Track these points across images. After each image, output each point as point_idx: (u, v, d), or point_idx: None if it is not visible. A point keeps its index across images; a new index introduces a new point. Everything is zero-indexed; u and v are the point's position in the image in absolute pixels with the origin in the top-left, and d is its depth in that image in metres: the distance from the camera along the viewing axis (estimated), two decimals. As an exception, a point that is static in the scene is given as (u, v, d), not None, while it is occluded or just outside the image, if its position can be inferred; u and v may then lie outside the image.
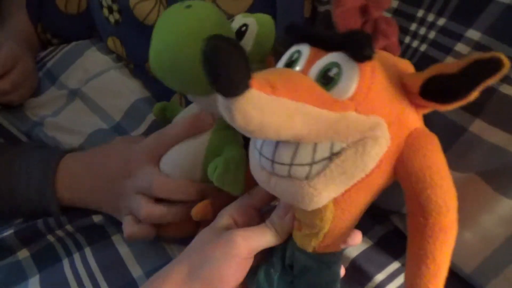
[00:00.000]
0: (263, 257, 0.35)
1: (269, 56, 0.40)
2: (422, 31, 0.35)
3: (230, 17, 0.45)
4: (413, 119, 0.28)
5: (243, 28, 0.38)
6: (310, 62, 0.27)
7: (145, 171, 0.41)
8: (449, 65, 0.25)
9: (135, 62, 0.56)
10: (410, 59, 0.34)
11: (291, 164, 0.27)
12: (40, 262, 0.43)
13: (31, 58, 0.60)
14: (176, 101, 0.55)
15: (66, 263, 0.42)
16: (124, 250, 0.43)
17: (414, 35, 0.35)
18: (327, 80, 0.26)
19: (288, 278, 0.34)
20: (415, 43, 0.36)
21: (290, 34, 0.30)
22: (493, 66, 0.23)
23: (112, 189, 0.42)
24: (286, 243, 0.34)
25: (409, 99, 0.27)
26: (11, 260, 0.43)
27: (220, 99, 0.23)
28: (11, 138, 0.56)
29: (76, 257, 0.42)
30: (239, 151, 0.38)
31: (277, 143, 0.28)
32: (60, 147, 0.53)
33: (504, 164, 0.31)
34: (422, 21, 0.36)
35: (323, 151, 0.27)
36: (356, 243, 0.33)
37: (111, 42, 0.56)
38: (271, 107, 0.23)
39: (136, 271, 0.41)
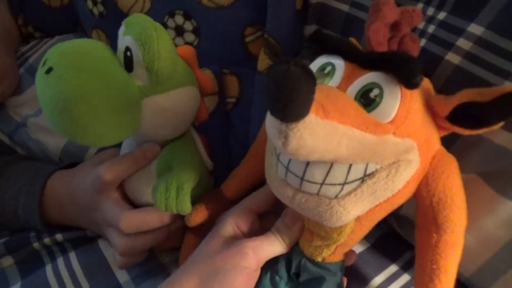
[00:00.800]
0: (266, 263, 0.35)
1: (196, 72, 0.37)
2: (421, 25, 0.33)
3: (221, 8, 0.42)
4: (436, 140, 0.28)
5: (128, 54, 0.32)
6: (347, 79, 0.26)
7: (107, 207, 0.38)
8: (481, 92, 0.25)
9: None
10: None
11: (322, 184, 0.27)
12: (23, 269, 0.41)
13: (9, 53, 0.55)
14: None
15: (49, 268, 0.40)
16: (109, 254, 0.41)
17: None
18: (367, 100, 0.25)
19: (294, 286, 0.34)
20: None
21: (320, 43, 0.28)
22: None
23: (89, 219, 0.41)
24: (291, 251, 0.34)
25: (435, 121, 0.28)
26: None
27: (272, 123, 0.21)
28: None
29: (60, 261, 0.41)
30: (185, 169, 0.35)
31: (308, 162, 0.27)
32: (44, 152, 0.50)
33: (507, 165, 0.30)
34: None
35: (357, 172, 0.26)
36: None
37: (96, 35, 0.53)
38: (324, 132, 0.22)
39: (122, 276, 0.39)
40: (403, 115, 0.25)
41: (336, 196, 0.27)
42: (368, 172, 0.26)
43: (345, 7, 0.38)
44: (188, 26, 0.44)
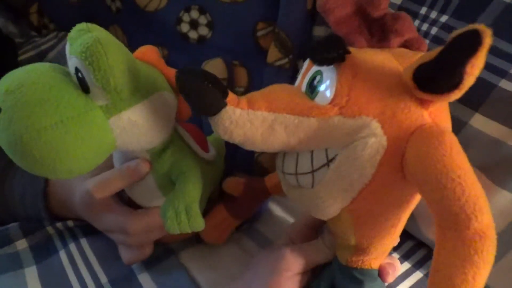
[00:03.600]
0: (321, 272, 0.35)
1: (165, 71, 0.34)
2: (425, 27, 0.35)
3: (236, 3, 0.43)
4: (418, 115, 0.25)
5: (80, 75, 0.28)
6: (303, 75, 0.28)
7: (106, 218, 0.38)
8: (432, 52, 0.22)
9: (136, 49, 0.55)
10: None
11: (296, 174, 0.28)
12: (37, 253, 0.42)
13: None
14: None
15: (62, 253, 0.42)
16: None
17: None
18: (312, 88, 0.27)
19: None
20: None
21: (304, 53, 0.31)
22: (472, 40, 0.20)
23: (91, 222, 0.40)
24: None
25: (410, 95, 0.25)
26: (9, 250, 0.42)
27: (208, 118, 0.27)
28: None
29: (72, 246, 0.42)
30: (187, 185, 0.33)
31: (284, 155, 0.29)
32: None
33: (503, 157, 0.32)
34: (425, 18, 0.35)
35: (319, 159, 0.27)
36: (394, 272, 0.32)
37: (113, 30, 0.54)
38: (247, 120, 0.26)
39: None
40: (345, 93, 0.25)
41: (312, 186, 0.28)
42: (330, 157, 0.26)
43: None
44: (203, 20, 0.46)
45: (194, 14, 0.46)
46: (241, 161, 0.44)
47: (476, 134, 0.33)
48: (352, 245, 0.29)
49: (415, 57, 0.27)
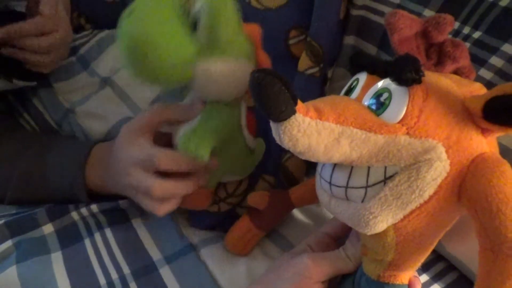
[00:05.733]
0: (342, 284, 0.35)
1: (258, 51, 0.38)
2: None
3: (269, 10, 0.45)
4: (478, 143, 0.26)
5: (197, 14, 0.35)
6: (364, 89, 0.28)
7: (140, 142, 0.39)
8: (506, 85, 0.23)
9: None
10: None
11: (346, 187, 0.28)
12: (63, 239, 0.43)
13: (68, 25, 0.58)
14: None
15: (87, 242, 0.43)
16: (143, 234, 0.44)
17: None
18: (378, 105, 0.27)
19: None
20: None
21: (351, 63, 0.31)
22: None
23: (122, 175, 0.41)
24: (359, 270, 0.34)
25: (474, 123, 0.26)
26: (36, 234, 0.44)
27: (271, 124, 0.26)
28: (44, 122, 0.58)
29: (97, 236, 0.43)
30: (216, 122, 0.37)
31: (334, 166, 0.29)
32: (87, 136, 0.54)
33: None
34: (457, 33, 0.36)
35: (377, 175, 0.27)
36: (420, 285, 0.33)
37: None
38: (316, 131, 0.25)
39: (155, 254, 0.42)
40: (415, 114, 0.25)
41: (362, 200, 0.28)
42: (388, 174, 0.27)
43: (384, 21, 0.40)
44: None
45: None
46: (268, 164, 0.43)
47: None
48: (388, 260, 0.30)
49: (472, 86, 0.28)
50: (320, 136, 0.25)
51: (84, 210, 0.46)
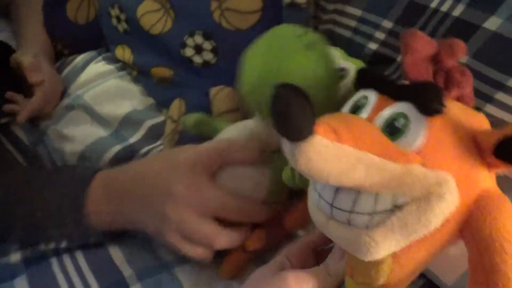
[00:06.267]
0: None
1: None
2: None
3: (239, 30, 0.45)
4: (484, 178, 0.26)
5: (342, 72, 0.37)
6: (376, 110, 0.27)
7: (202, 186, 0.36)
8: None
9: (141, 68, 0.57)
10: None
11: (351, 212, 0.27)
12: (27, 261, 0.42)
13: (54, 68, 0.61)
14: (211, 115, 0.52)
15: (54, 261, 0.42)
16: (114, 252, 0.42)
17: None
18: (393, 130, 0.25)
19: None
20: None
21: (359, 79, 0.30)
22: None
23: (153, 211, 0.38)
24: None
25: (481, 157, 0.26)
26: (3, 261, 0.42)
27: (285, 142, 0.24)
28: (21, 147, 0.58)
29: (65, 256, 0.42)
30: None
31: (337, 188, 0.28)
32: (62, 159, 0.53)
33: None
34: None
35: (385, 203, 0.26)
36: None
37: (120, 50, 0.58)
38: (333, 154, 0.23)
39: (126, 271, 0.40)
40: (432, 145, 0.25)
41: (366, 227, 0.27)
42: (397, 203, 0.26)
43: (347, 33, 0.43)
44: (207, 45, 0.48)
45: (198, 39, 0.48)
46: None
47: None
48: (377, 285, 0.29)
49: (477, 117, 0.28)
50: (338, 161, 0.23)
51: (52, 245, 0.43)
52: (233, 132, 0.41)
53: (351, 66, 0.37)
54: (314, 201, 0.30)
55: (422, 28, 0.38)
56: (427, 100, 0.24)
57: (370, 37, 0.42)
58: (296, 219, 0.39)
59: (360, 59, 0.43)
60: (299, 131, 0.22)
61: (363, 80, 0.29)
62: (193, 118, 0.43)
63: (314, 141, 0.23)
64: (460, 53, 0.28)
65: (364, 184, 0.25)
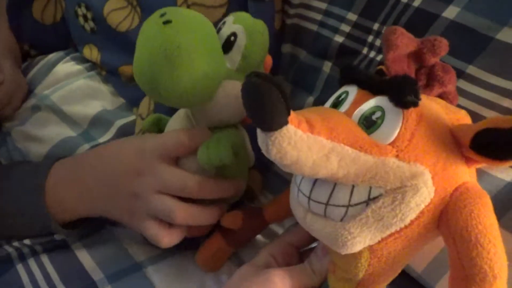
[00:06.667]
0: None
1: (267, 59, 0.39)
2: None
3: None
4: (462, 172, 0.26)
5: (232, 38, 0.35)
6: (355, 104, 0.27)
7: (168, 169, 0.37)
8: (505, 119, 0.23)
9: (109, 68, 0.56)
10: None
11: (327, 204, 0.27)
12: None
13: (18, 68, 0.59)
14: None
15: (20, 268, 0.40)
16: (82, 255, 0.42)
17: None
18: (369, 123, 0.26)
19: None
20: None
21: (342, 75, 0.30)
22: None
23: (121, 190, 0.38)
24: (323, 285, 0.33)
25: (459, 151, 0.26)
26: None
27: (258, 132, 0.24)
28: None
29: (31, 262, 0.41)
30: (226, 134, 0.37)
31: (315, 181, 0.28)
32: (26, 157, 0.52)
33: None
34: (377, 34, 0.39)
35: (360, 195, 0.26)
36: None
37: (88, 49, 0.57)
38: (306, 145, 0.24)
39: (96, 274, 0.40)
40: (407, 138, 0.25)
41: (341, 219, 0.27)
42: (372, 195, 0.26)
43: (314, 27, 0.43)
44: None
45: None
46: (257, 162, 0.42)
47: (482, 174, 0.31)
48: (357, 280, 0.30)
49: (458, 114, 0.28)
50: (310, 151, 0.24)
51: (16, 243, 0.42)
52: (173, 125, 0.41)
53: (241, 29, 0.35)
54: (293, 194, 0.30)
55: (385, 19, 0.38)
56: (401, 92, 0.24)
57: (336, 30, 0.42)
58: (276, 211, 0.39)
59: (329, 53, 0.43)
60: (271, 121, 0.23)
61: (345, 76, 0.30)
62: (151, 118, 0.44)
63: (287, 131, 0.23)
64: (443, 50, 0.28)
65: (337, 174, 0.25)
